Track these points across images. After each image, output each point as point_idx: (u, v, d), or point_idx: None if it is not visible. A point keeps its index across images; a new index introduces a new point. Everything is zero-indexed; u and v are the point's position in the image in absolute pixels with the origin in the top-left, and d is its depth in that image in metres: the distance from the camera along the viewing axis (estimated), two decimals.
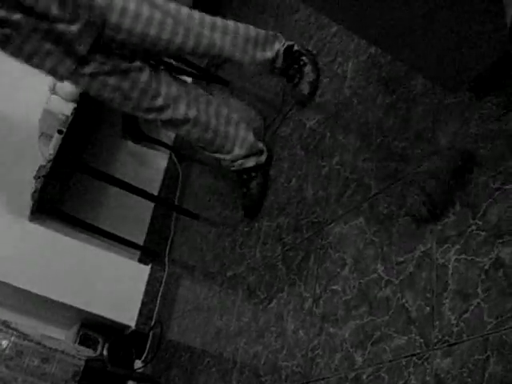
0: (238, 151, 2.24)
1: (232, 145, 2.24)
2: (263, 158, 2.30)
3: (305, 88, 2.21)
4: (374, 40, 1.32)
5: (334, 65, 2.14)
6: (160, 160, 3.59)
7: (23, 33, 1.91)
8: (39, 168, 2.91)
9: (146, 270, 3.18)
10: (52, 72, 2.03)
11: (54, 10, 1.90)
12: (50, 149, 2.90)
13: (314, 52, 2.31)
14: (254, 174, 2.30)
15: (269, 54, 2.22)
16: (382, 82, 1.76)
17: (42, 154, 2.95)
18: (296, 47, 2.26)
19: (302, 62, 2.24)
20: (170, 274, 3.09)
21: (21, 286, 2.87)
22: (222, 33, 2.13)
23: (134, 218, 3.38)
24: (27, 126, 3.10)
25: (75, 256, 3.06)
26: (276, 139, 2.37)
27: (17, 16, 1.88)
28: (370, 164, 1.65)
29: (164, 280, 3.09)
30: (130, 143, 3.49)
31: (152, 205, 3.36)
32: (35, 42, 1.94)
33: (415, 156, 1.46)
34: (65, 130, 2.98)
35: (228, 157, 2.27)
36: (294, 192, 2.04)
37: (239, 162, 2.27)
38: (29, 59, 1.98)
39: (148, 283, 3.13)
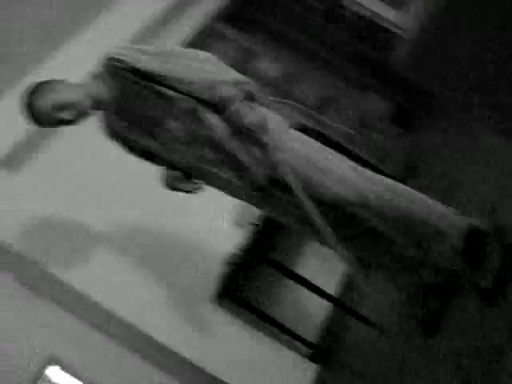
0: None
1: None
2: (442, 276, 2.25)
3: (486, 281, 2.00)
4: None
5: None
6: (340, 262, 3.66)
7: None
8: (230, 255, 3.17)
9: (313, 368, 3.21)
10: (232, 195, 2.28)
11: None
12: (243, 239, 3.15)
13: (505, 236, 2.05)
14: (434, 288, 2.27)
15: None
16: None
17: (233, 242, 3.22)
18: (482, 227, 2.10)
19: (486, 248, 2.05)
20: (337, 374, 3.08)
21: (197, 363, 3.04)
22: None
23: (308, 314, 3.45)
24: (216, 215, 3.37)
25: (247, 342, 3.18)
26: None
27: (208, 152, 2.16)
28: None
29: (331, 380, 3.09)
30: (314, 243, 3.63)
31: (328, 304, 3.42)
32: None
33: None
34: (258, 223, 3.24)
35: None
36: (474, 313, 1.99)
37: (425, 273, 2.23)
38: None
39: (315, 381, 3.15)
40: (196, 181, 2.31)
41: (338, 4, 4.56)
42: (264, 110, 2.15)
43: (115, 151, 2.51)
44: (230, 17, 4.75)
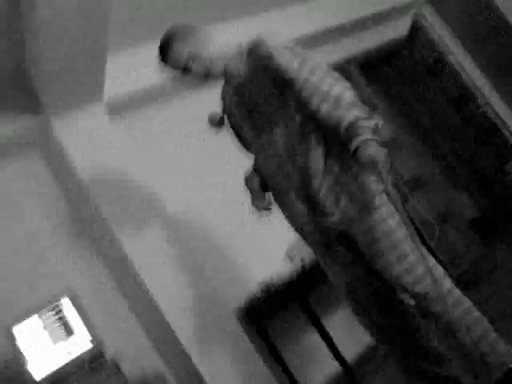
0: None
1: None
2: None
3: None
4: None
5: None
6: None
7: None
8: (269, 281, 3.17)
9: None
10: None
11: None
12: (288, 272, 3.15)
13: None
14: None
15: None
16: None
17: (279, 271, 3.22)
18: None
19: None
20: None
21: (191, 356, 2.98)
22: None
23: (317, 368, 3.39)
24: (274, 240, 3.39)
25: (248, 366, 3.12)
26: None
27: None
28: None
29: None
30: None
31: (338, 368, 3.35)
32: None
33: None
34: (307, 263, 3.23)
35: None
36: None
37: None
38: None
39: None
40: (268, 203, 2.26)
41: (471, 96, 4.52)
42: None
43: (217, 139, 2.57)
44: (363, 64, 4.77)
